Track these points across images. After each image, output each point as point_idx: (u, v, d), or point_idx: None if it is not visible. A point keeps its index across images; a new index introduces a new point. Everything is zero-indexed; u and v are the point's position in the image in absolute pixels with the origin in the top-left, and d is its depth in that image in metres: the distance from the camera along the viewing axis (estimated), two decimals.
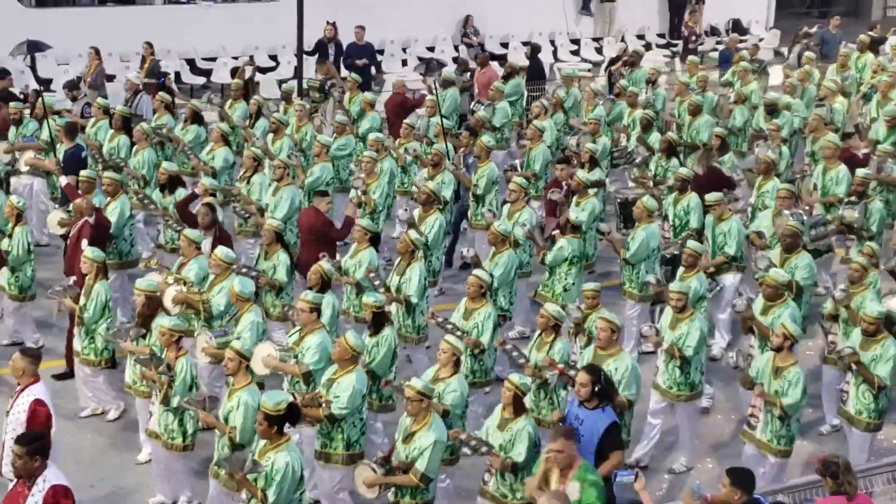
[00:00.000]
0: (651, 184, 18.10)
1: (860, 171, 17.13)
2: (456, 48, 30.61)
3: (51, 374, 14.45)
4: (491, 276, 14.20)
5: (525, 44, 31.28)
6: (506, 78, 23.27)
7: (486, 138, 18.41)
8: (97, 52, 23.82)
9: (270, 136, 19.22)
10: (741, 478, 9.79)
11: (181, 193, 16.37)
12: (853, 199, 16.65)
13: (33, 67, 23.61)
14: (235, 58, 27.61)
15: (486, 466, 11.14)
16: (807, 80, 23.27)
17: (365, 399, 11.78)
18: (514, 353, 12.71)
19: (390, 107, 22.03)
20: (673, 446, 13.65)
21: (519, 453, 10.88)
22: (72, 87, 22.02)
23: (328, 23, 26.30)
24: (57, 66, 26.14)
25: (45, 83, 25.32)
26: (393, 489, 10.93)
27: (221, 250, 13.80)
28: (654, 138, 19.49)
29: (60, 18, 26.71)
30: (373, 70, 26.95)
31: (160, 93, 20.60)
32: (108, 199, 15.72)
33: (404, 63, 29.95)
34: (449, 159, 17.97)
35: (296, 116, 20.12)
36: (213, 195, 16.02)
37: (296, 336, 12.54)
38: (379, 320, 12.69)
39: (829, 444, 13.52)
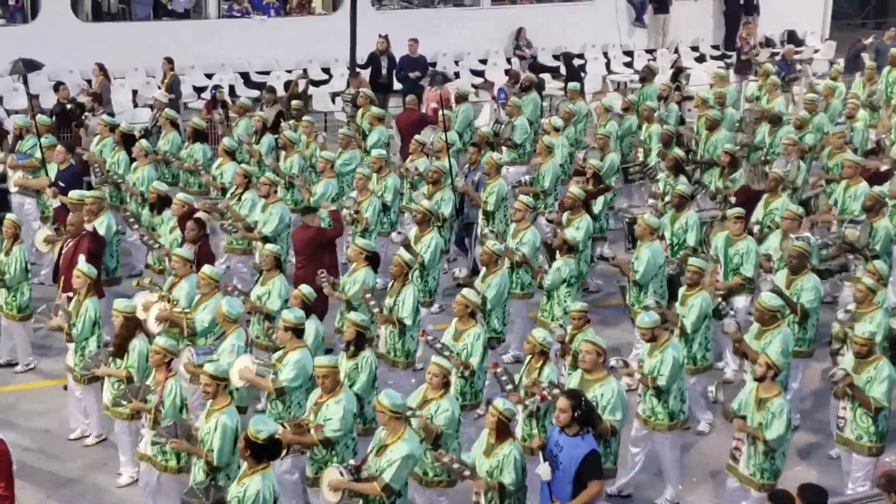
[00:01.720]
0: (660, 201, 17.31)
1: (875, 188, 16.19)
2: (508, 60, 30.00)
3: (47, 394, 14.27)
4: (484, 297, 13.70)
5: (578, 56, 30.78)
6: (525, 90, 22.52)
7: (496, 155, 17.74)
8: (101, 67, 23.29)
9: (282, 153, 18.67)
10: (812, 498, 9.52)
11: (169, 215, 15.75)
12: (859, 216, 15.85)
13: (26, 84, 23.42)
14: (289, 71, 27.20)
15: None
16: (831, 96, 22.26)
17: (355, 420, 11.32)
18: (503, 378, 12.00)
19: (403, 123, 21.19)
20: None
21: (508, 479, 10.34)
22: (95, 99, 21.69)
23: (380, 36, 25.79)
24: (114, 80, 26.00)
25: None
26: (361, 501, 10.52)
27: (209, 268, 13.29)
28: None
29: (117, 32, 26.39)
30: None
31: (166, 110, 20.01)
32: (92, 217, 15.12)
33: (457, 75, 29.37)
34: (452, 176, 17.30)
35: (304, 133, 19.50)
36: (192, 209, 15.44)
37: (279, 354, 12.06)
38: (360, 341, 12.15)
39: (834, 469, 12.80)
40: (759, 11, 32.50)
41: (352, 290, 13.94)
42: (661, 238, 15.66)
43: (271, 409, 11.87)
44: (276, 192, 16.29)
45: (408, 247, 14.71)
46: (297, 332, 11.98)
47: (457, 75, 29.27)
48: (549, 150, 18.49)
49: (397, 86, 25.50)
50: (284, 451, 11.05)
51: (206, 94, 25.90)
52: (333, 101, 25.94)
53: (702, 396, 13.47)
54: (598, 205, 16.61)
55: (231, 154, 18.08)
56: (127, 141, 18.26)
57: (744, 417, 11.32)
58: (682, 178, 17.49)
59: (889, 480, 9.84)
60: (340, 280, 14.24)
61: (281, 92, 25.90)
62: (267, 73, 27.74)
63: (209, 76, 27.05)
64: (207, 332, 13.01)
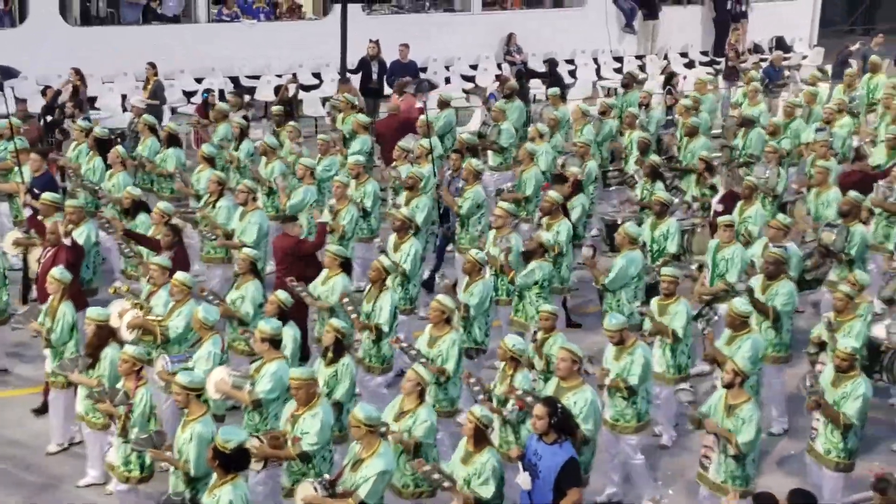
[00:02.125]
0: (638, 208, 17.16)
1: (851, 193, 16.06)
2: (499, 66, 29.89)
3: (22, 402, 14.12)
4: (466, 306, 13.57)
5: (569, 61, 30.71)
6: (507, 97, 22.26)
7: (475, 161, 17.50)
8: (77, 72, 23.02)
9: (263, 159, 18.36)
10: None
11: (143, 219, 15.57)
12: (836, 221, 15.73)
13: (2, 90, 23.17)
14: (279, 76, 27.06)
15: None
16: (812, 102, 22.19)
17: (333, 429, 11.15)
18: (475, 388, 11.84)
19: (383, 129, 20.88)
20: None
21: (486, 489, 10.16)
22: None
23: (371, 41, 25.67)
24: (103, 85, 25.92)
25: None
26: None
27: (182, 275, 13.07)
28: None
29: (105, 37, 26.26)
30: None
31: (144, 115, 19.74)
32: (73, 226, 14.91)
33: (447, 81, 29.29)
34: (433, 183, 17.11)
35: (288, 139, 19.29)
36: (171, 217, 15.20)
37: (257, 364, 11.82)
38: (339, 347, 11.95)
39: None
40: (748, 18, 32.45)
41: (332, 298, 13.75)
42: (642, 246, 15.51)
43: (248, 421, 11.62)
44: (254, 199, 16.04)
45: (384, 254, 14.53)
46: (274, 342, 11.78)
47: (447, 80, 29.19)
48: (532, 157, 18.29)
49: (388, 91, 25.32)
50: (262, 465, 10.99)
51: (196, 99, 25.75)
52: (324, 106, 25.84)
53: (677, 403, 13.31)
54: (576, 212, 16.46)
55: (210, 161, 17.81)
56: (102, 147, 17.99)
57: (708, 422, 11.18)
58: (660, 185, 17.32)
59: (879, 480, 9.82)
60: (315, 289, 14.01)
61: (271, 97, 25.89)
62: (257, 77, 27.62)
63: (199, 81, 26.91)
64: (181, 339, 12.83)
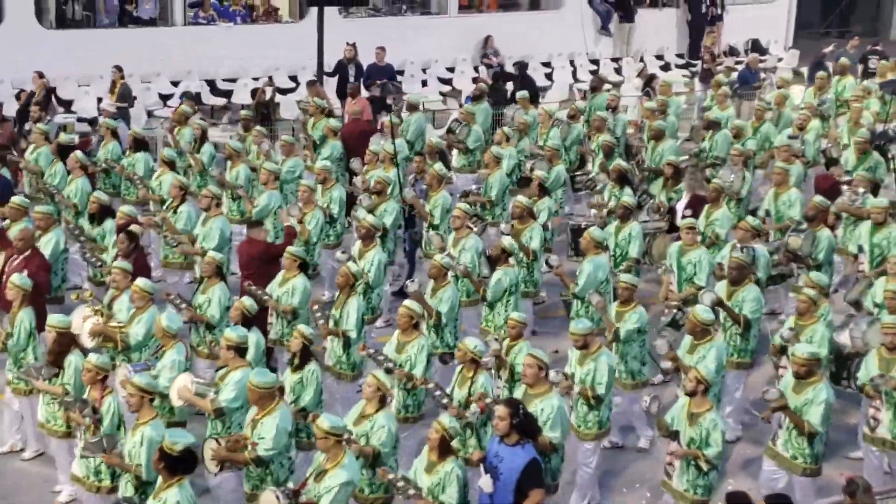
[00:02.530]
0: (605, 212, 16.99)
1: (816, 197, 15.98)
2: (476, 69, 29.82)
3: None
4: (438, 313, 13.48)
5: (545, 64, 30.65)
6: (475, 100, 22.18)
7: (439, 166, 17.43)
8: (40, 75, 22.78)
9: (228, 163, 18.22)
10: None
11: (110, 225, 15.42)
12: (802, 226, 15.63)
13: None
14: (256, 79, 26.83)
15: None
16: (782, 105, 22.05)
17: (292, 437, 10.99)
18: (436, 394, 11.78)
19: (347, 133, 20.51)
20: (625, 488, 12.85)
21: (450, 497, 10.06)
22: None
23: (348, 44, 25.51)
24: (79, 88, 25.78)
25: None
26: None
27: (142, 281, 12.91)
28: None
29: (81, 40, 25.97)
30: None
31: (107, 119, 19.53)
32: (41, 233, 14.82)
33: (424, 84, 29.19)
34: (401, 187, 17.00)
35: (254, 143, 19.13)
36: (134, 222, 15.10)
37: (222, 372, 11.70)
38: (306, 354, 11.86)
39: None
40: (724, 20, 32.42)
41: (295, 299, 13.69)
42: (605, 249, 15.35)
43: (211, 429, 11.48)
44: (217, 205, 15.86)
45: (352, 261, 14.44)
46: (240, 350, 11.67)
47: (424, 83, 29.10)
48: (498, 160, 18.21)
49: (365, 94, 25.21)
50: (218, 468, 10.91)
51: (172, 102, 25.67)
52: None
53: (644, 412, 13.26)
54: (542, 216, 16.36)
55: (171, 165, 17.61)
56: (65, 153, 17.78)
57: (677, 432, 11.09)
58: (628, 189, 17.21)
59: (849, 483, 9.82)
60: (273, 290, 13.91)
61: (248, 100, 25.77)
62: (234, 80, 27.44)
63: (175, 84, 26.72)
64: (142, 345, 12.69)
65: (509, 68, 28.88)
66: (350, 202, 17.24)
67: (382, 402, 10.94)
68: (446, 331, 13.74)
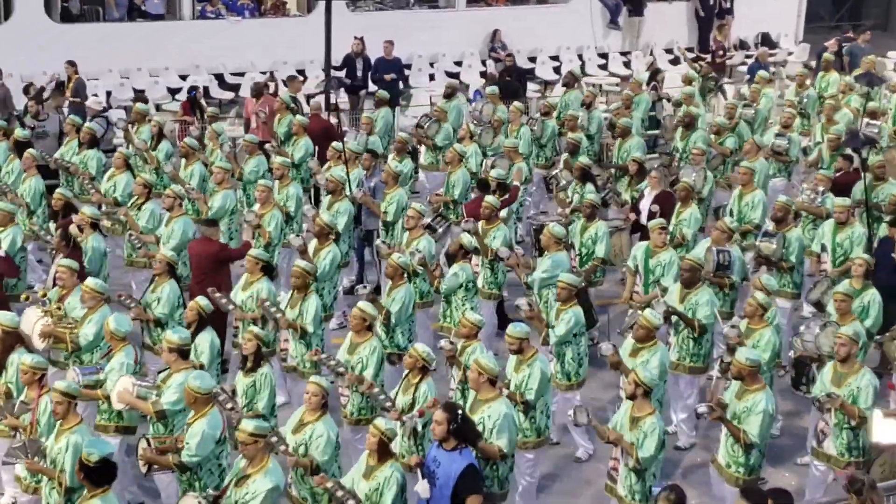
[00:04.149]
0: (568, 210, 16.53)
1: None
2: (483, 63, 29.51)
3: None
4: (388, 312, 13.19)
5: (553, 58, 30.32)
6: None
7: (394, 163, 17.04)
8: (71, 63, 22.62)
9: (183, 161, 17.78)
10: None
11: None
12: (768, 228, 15.21)
13: None
14: (264, 73, 26.74)
15: None
16: (757, 101, 21.61)
17: (224, 443, 10.64)
18: (380, 398, 11.49)
19: (308, 130, 19.55)
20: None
21: (388, 503, 9.84)
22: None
23: (356, 38, 25.24)
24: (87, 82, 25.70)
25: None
26: None
27: (92, 281, 12.61)
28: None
29: (90, 34, 25.82)
30: (400, 85, 25.86)
31: (71, 116, 19.17)
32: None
33: (431, 78, 28.85)
34: (354, 186, 16.55)
35: (208, 139, 18.73)
36: (97, 223, 14.80)
37: (164, 374, 11.40)
38: (259, 356, 11.58)
39: None
40: (734, 14, 31.95)
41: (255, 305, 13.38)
42: (570, 248, 15.08)
43: (153, 433, 11.23)
44: (180, 205, 15.52)
45: (304, 253, 14.15)
46: (182, 352, 11.39)
47: (431, 77, 28.84)
48: (461, 158, 17.81)
49: (372, 88, 24.95)
50: (146, 469, 10.75)
51: (180, 96, 25.57)
52: (308, 103, 25.48)
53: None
54: (502, 214, 16.05)
55: (125, 164, 17.18)
56: (22, 149, 17.45)
57: (619, 437, 10.75)
58: (590, 187, 16.83)
59: (851, 482, 9.59)
60: (236, 296, 13.64)
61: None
62: (241, 74, 27.22)
63: (183, 78, 26.51)
64: (93, 346, 12.41)
65: (517, 62, 28.58)
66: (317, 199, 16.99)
67: (324, 409, 10.62)
68: (398, 331, 13.40)
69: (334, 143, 17.77)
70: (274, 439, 10.19)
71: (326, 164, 17.76)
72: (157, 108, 25.61)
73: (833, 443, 11.59)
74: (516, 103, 20.51)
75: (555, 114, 20.97)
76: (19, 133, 18.13)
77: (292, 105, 20.84)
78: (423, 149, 20.04)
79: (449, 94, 21.75)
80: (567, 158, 18.47)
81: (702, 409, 11.13)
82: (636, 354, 12.12)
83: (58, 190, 15.83)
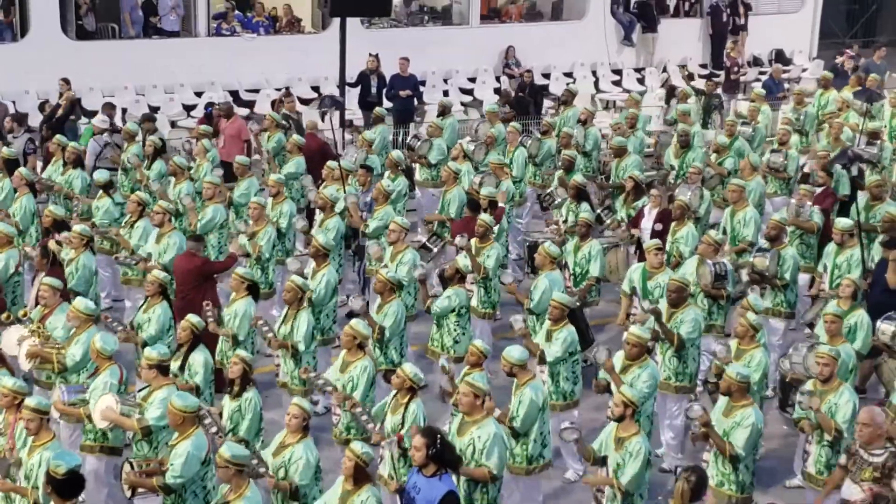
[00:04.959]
0: (562, 228, 16.37)
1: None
2: (497, 79, 29.42)
3: None
4: (381, 328, 13.08)
5: (567, 74, 30.22)
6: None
7: (386, 182, 16.89)
8: (66, 82, 22.42)
9: (172, 179, 17.57)
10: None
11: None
12: (766, 246, 14.98)
13: None
14: (279, 89, 26.81)
15: None
16: (755, 119, 21.35)
17: (209, 465, 10.36)
18: (363, 418, 11.28)
19: (305, 149, 19.50)
20: None
21: None
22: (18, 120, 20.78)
23: (371, 55, 25.14)
24: (103, 99, 25.75)
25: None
26: None
27: (81, 302, 12.38)
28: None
29: (105, 51, 25.93)
30: (415, 101, 25.73)
31: (57, 136, 18.90)
32: None
33: (445, 94, 28.69)
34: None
35: (195, 155, 18.59)
36: (91, 240, 14.64)
37: (145, 392, 11.23)
38: (246, 380, 11.35)
39: None
40: (747, 30, 31.77)
41: (235, 323, 13.19)
42: (564, 267, 14.92)
43: (137, 451, 11.02)
44: (170, 220, 15.36)
45: (300, 275, 14.12)
46: (162, 369, 11.22)
47: (445, 93, 28.76)
48: (456, 176, 17.62)
49: (387, 104, 24.88)
50: (130, 493, 10.63)
51: (195, 113, 25.61)
52: (322, 119, 25.45)
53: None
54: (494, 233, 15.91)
55: (106, 187, 16.82)
56: (11, 168, 17.26)
57: (605, 458, 10.55)
58: (585, 205, 16.61)
59: (877, 498, 9.58)
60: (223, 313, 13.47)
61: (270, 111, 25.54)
62: (256, 91, 27.29)
63: (198, 94, 26.53)
64: (80, 367, 12.14)
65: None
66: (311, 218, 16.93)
67: (305, 431, 10.44)
68: (390, 347, 13.23)
69: (329, 162, 17.63)
70: (254, 462, 10.06)
71: (322, 182, 17.61)
72: (173, 124, 25.67)
73: (814, 461, 11.40)
74: (513, 124, 20.33)
75: (554, 133, 20.80)
76: (5, 152, 17.88)
77: (283, 122, 20.69)
78: (417, 167, 19.90)
79: (443, 112, 21.60)
80: (562, 176, 18.26)
81: (695, 411, 10.84)
82: (626, 372, 11.89)
83: (48, 207, 15.68)
